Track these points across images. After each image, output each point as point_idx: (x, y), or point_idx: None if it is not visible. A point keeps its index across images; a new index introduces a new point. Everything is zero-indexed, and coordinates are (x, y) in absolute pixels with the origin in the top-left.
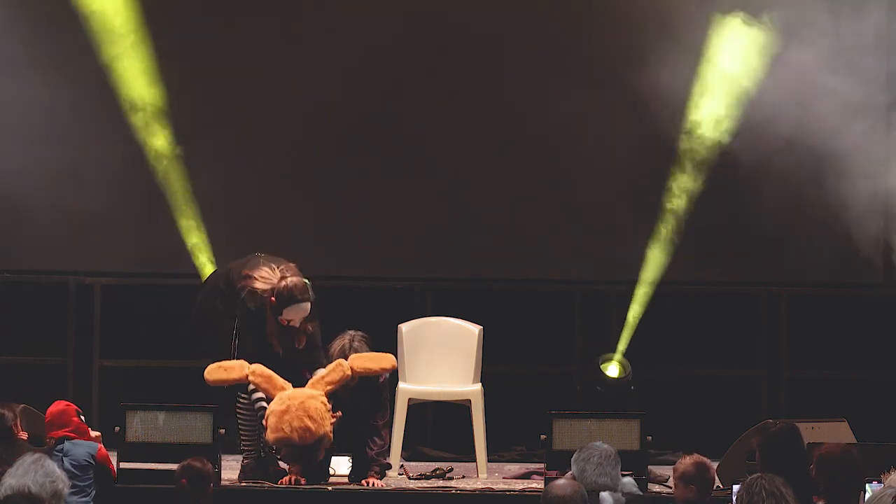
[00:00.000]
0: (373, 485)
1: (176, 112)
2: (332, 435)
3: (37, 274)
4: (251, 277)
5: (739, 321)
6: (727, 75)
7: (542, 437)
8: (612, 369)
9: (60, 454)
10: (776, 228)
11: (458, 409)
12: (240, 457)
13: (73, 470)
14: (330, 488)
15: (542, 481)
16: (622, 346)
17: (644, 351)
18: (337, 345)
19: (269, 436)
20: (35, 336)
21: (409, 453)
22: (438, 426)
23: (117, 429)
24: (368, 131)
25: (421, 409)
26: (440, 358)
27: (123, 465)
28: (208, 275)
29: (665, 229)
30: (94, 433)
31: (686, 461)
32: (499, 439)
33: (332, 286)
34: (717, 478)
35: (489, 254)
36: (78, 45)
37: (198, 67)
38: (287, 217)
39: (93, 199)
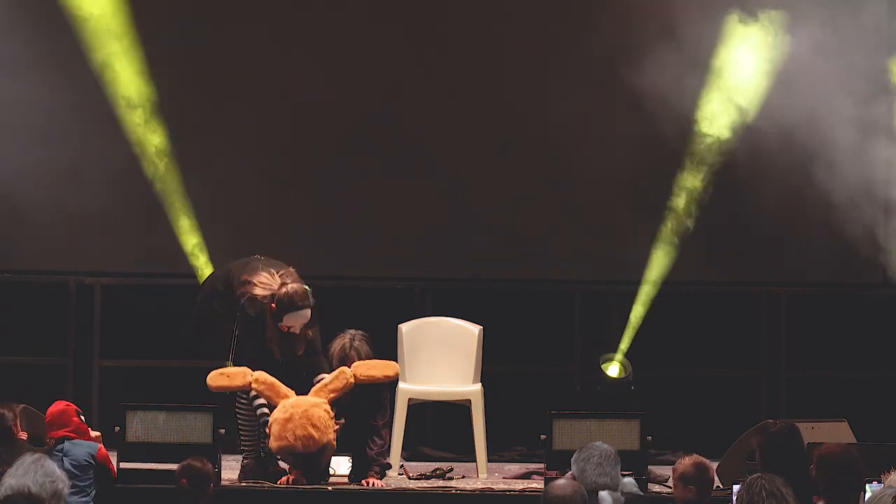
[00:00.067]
0: (373, 485)
1: (175, 112)
2: (335, 443)
3: (37, 274)
4: (250, 283)
5: (739, 321)
6: (728, 75)
7: (542, 437)
8: (613, 369)
9: (60, 454)
10: (776, 228)
11: (458, 409)
12: (240, 457)
13: (73, 470)
14: (330, 488)
15: (542, 481)
16: (624, 346)
17: (644, 351)
18: (337, 344)
19: (273, 444)
20: (35, 336)
21: (409, 453)
22: (438, 426)
23: (117, 429)
24: (368, 131)
25: (421, 409)
26: (440, 358)
27: (123, 465)
28: (207, 276)
29: (665, 229)
30: (94, 433)
31: (685, 461)
32: (499, 439)
33: (332, 286)
34: (716, 478)
35: (489, 254)
36: (77, 45)
37: (198, 67)
38: (287, 217)
39: (93, 199)
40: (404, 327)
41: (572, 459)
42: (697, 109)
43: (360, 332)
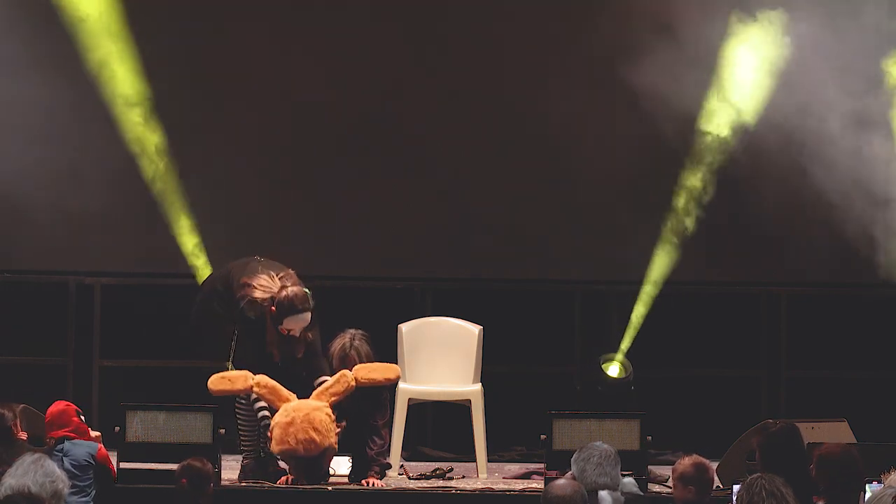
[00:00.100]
0: (373, 485)
1: (175, 112)
2: (337, 446)
3: (37, 274)
4: (250, 286)
5: (739, 321)
6: (727, 74)
7: (542, 437)
8: (614, 369)
9: (60, 454)
10: (776, 228)
11: (458, 409)
12: (240, 457)
13: (73, 470)
14: (330, 488)
15: (542, 481)
16: (625, 345)
17: (644, 351)
18: (337, 343)
19: (275, 448)
20: (35, 336)
21: (409, 453)
22: (438, 426)
23: (117, 429)
24: (368, 131)
25: (421, 409)
26: (440, 358)
27: (123, 465)
28: (207, 276)
29: (665, 229)
30: (94, 433)
31: (685, 462)
32: (499, 439)
33: (332, 286)
34: (716, 478)
35: (489, 254)
36: (77, 45)
37: (198, 67)
38: (287, 217)
39: (93, 199)
40: (404, 327)
41: (572, 459)
42: (697, 109)
43: (360, 331)
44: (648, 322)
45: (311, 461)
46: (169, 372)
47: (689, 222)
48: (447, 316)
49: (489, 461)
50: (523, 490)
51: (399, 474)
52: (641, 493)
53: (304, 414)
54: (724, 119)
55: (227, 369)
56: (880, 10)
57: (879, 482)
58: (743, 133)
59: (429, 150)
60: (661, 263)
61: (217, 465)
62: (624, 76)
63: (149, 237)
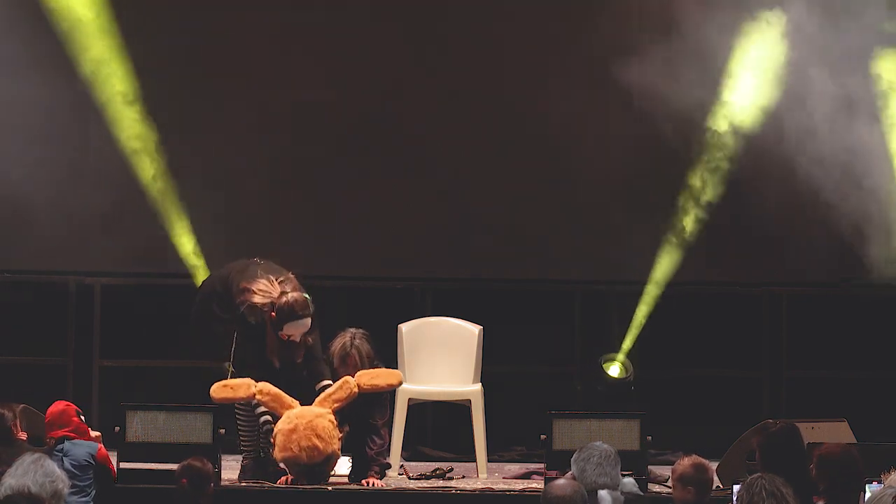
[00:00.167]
0: (373, 485)
1: (174, 112)
2: (340, 452)
3: (37, 274)
4: (249, 291)
5: (740, 321)
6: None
7: (542, 437)
8: (614, 369)
9: (60, 454)
10: (776, 229)
11: (458, 409)
12: (240, 457)
13: (73, 470)
14: (330, 488)
15: (542, 481)
16: (627, 345)
17: (644, 351)
18: (338, 343)
19: (278, 455)
20: (35, 336)
21: (409, 453)
22: (438, 426)
23: (117, 429)
24: (368, 131)
25: (421, 409)
26: (440, 358)
27: (123, 465)
28: (206, 277)
29: (666, 229)
30: (94, 433)
31: (684, 462)
32: (499, 439)
33: (332, 286)
34: (716, 478)
35: (489, 254)
36: (77, 45)
37: (197, 67)
38: (287, 217)
39: (93, 199)
40: (404, 327)
41: (572, 459)
42: (698, 109)
43: (360, 330)
44: (649, 322)
45: (314, 468)
46: (169, 372)
47: (690, 222)
48: (447, 316)
49: (489, 461)
50: (523, 490)
51: (399, 474)
52: (641, 493)
53: (307, 421)
54: (725, 118)
55: (227, 370)
56: (880, 9)
57: (879, 482)
58: (743, 132)
59: (429, 150)
60: (661, 264)
61: (217, 465)
62: (624, 76)
63: (149, 237)
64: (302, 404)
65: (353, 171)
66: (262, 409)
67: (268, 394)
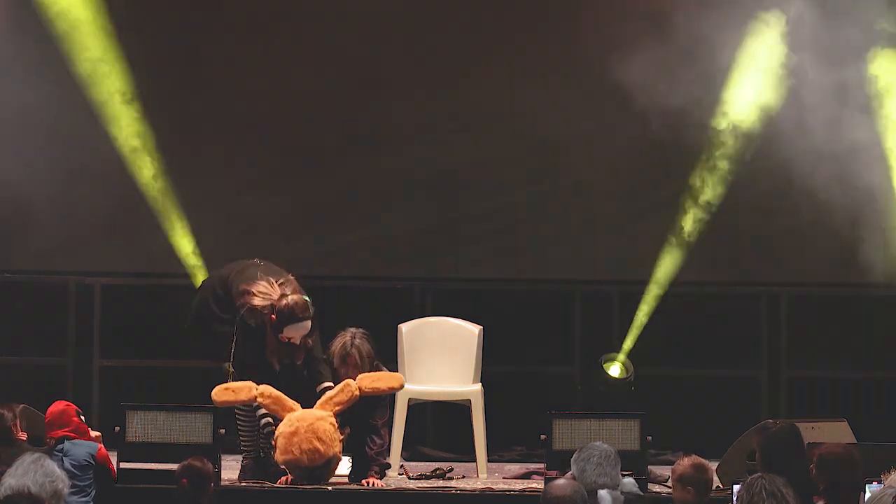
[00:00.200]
0: (373, 485)
1: (174, 112)
2: (341, 455)
3: (37, 274)
4: (249, 293)
5: (740, 321)
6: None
7: (542, 437)
8: (615, 369)
9: (60, 454)
10: (776, 228)
11: (458, 409)
12: (240, 457)
13: (73, 470)
14: (330, 488)
15: (542, 481)
16: (628, 345)
17: (644, 351)
18: (338, 342)
19: (279, 457)
20: (35, 336)
21: (409, 453)
22: (438, 426)
23: (117, 429)
24: (368, 131)
25: (421, 409)
26: (440, 358)
27: (123, 465)
28: (205, 277)
29: (666, 229)
30: (94, 433)
31: (684, 463)
32: (499, 439)
33: (332, 286)
34: (716, 478)
35: (489, 254)
36: (76, 45)
37: (197, 67)
38: (286, 217)
39: (93, 199)
40: (404, 327)
41: (572, 459)
42: (696, 109)
43: (360, 330)
44: (648, 322)
45: (315, 471)
46: (169, 372)
47: (689, 222)
48: (447, 316)
49: (489, 461)
50: (523, 490)
51: (399, 474)
52: (641, 493)
53: (308, 424)
54: (724, 118)
55: (227, 370)
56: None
57: (879, 482)
58: (742, 132)
59: (429, 149)
60: (661, 263)
61: (217, 465)
62: (623, 75)
63: (149, 237)
64: (303, 406)
65: (353, 170)
66: (263, 410)
67: (269, 396)
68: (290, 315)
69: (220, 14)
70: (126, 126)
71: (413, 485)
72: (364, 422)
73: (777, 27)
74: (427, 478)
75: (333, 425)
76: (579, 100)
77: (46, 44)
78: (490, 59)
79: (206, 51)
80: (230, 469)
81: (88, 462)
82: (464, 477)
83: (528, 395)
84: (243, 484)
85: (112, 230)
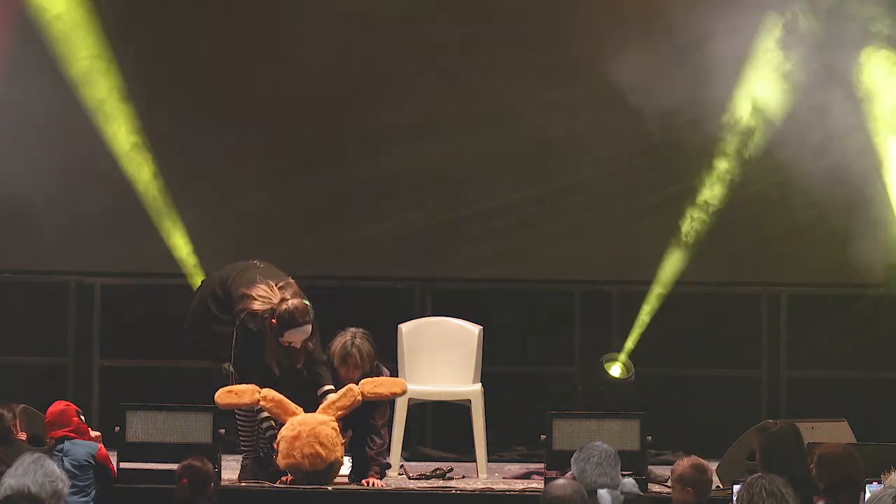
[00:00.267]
0: (373, 485)
1: (174, 112)
2: (343, 460)
3: (37, 274)
4: (249, 297)
5: (739, 321)
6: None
7: (542, 437)
8: (616, 369)
9: (60, 454)
10: (776, 228)
11: (458, 409)
12: (240, 457)
13: (73, 470)
14: (330, 488)
15: (542, 481)
16: (629, 345)
17: (644, 351)
18: (338, 342)
19: (281, 461)
20: (35, 336)
21: (409, 453)
22: (438, 426)
23: (117, 429)
24: (368, 132)
25: (421, 409)
26: (440, 358)
27: (123, 465)
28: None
29: (666, 229)
30: (94, 433)
31: (683, 463)
32: (499, 439)
33: (332, 286)
34: (716, 478)
35: (489, 254)
36: (75, 45)
37: (197, 67)
38: (287, 217)
39: (93, 199)
40: (404, 327)
41: (572, 459)
42: (697, 109)
43: (360, 330)
44: (648, 322)
45: (317, 475)
46: (169, 372)
47: (689, 222)
48: (447, 316)
49: (489, 461)
50: (523, 490)
51: (399, 474)
52: (641, 493)
53: (311, 428)
54: (724, 118)
55: (227, 371)
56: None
57: (879, 482)
58: (741, 132)
59: (428, 149)
60: (661, 263)
61: (217, 465)
62: (623, 77)
63: (149, 238)
64: (304, 410)
65: (353, 171)
66: (265, 414)
67: (271, 400)
68: (290, 320)
69: (220, 14)
70: (125, 125)
71: (413, 485)
72: (364, 422)
73: (774, 26)
74: (427, 478)
75: (335, 430)
76: (579, 100)
77: (49, 43)
78: (490, 59)
79: (205, 50)
80: (230, 469)
81: (88, 462)
82: (464, 477)
83: (528, 395)
84: (243, 484)
85: (112, 230)
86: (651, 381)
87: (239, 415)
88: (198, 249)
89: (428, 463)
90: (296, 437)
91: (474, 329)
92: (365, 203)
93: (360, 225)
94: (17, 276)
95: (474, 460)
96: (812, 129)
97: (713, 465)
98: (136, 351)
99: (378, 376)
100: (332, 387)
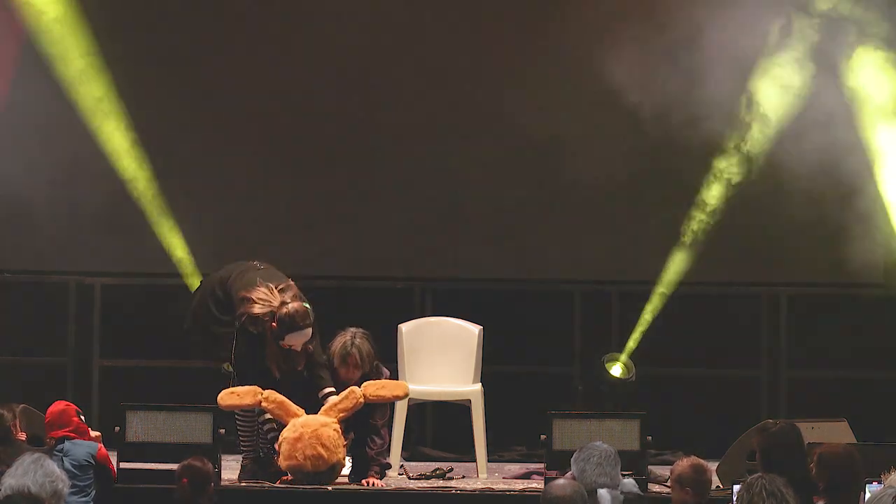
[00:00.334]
0: (373, 485)
1: (174, 112)
2: (345, 462)
3: (37, 274)
4: (249, 300)
5: (739, 321)
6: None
7: (542, 437)
8: (616, 369)
9: (60, 454)
10: (776, 228)
11: (458, 409)
12: (240, 457)
13: (73, 470)
14: (330, 488)
15: (542, 481)
16: (630, 346)
17: (644, 351)
18: (338, 342)
19: (282, 463)
20: (35, 336)
21: (409, 453)
22: (438, 426)
23: (117, 429)
24: (369, 132)
25: (421, 409)
26: (440, 358)
27: (123, 465)
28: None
29: (666, 229)
30: (94, 433)
31: (683, 463)
32: (499, 439)
33: (332, 286)
34: (717, 478)
35: (489, 254)
36: (75, 45)
37: (196, 67)
38: (287, 217)
39: (93, 199)
40: (404, 327)
41: (572, 459)
42: (696, 109)
43: (360, 330)
44: (649, 322)
45: (319, 477)
46: (169, 372)
47: (689, 222)
48: (447, 316)
49: (489, 461)
50: (523, 490)
51: (399, 474)
52: (641, 493)
53: (313, 430)
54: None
55: (227, 371)
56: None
57: (879, 482)
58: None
59: (428, 149)
60: (661, 264)
61: (217, 465)
62: (622, 77)
63: (149, 238)
64: (305, 412)
65: (353, 171)
66: (267, 416)
67: (273, 401)
68: (290, 323)
69: (219, 13)
70: (124, 125)
71: (413, 485)
72: (364, 422)
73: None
74: (427, 478)
75: (337, 431)
76: (579, 100)
77: (49, 43)
78: (491, 58)
79: (203, 50)
80: (230, 469)
81: (88, 462)
82: (464, 477)
83: (528, 395)
84: (243, 484)
85: (112, 230)
86: (651, 381)
87: (239, 415)
88: (197, 250)
89: (428, 463)
90: (298, 439)
91: (474, 329)
92: (365, 203)
93: (360, 225)
94: (17, 276)
95: (474, 460)
96: (810, 128)
97: (713, 466)
98: (136, 351)
99: (378, 376)
100: (332, 389)
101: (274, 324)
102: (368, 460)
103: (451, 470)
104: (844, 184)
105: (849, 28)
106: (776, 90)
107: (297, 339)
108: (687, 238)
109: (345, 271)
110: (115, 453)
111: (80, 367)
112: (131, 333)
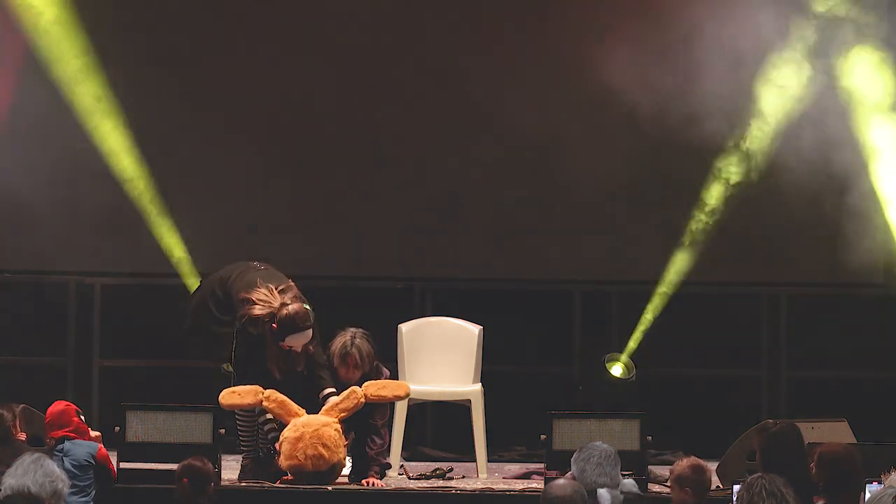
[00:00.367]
0: (373, 485)
1: (174, 112)
2: (345, 462)
3: (37, 274)
4: (249, 301)
5: (739, 321)
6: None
7: (542, 437)
8: (617, 369)
9: (60, 454)
10: (776, 228)
11: (458, 409)
12: (240, 457)
13: (73, 470)
14: (330, 488)
15: (542, 481)
16: (631, 346)
17: (644, 351)
18: (338, 342)
19: (283, 462)
20: (35, 336)
21: (409, 453)
22: (438, 426)
23: (117, 429)
24: (369, 132)
25: (421, 409)
26: (440, 358)
27: (123, 465)
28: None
29: (666, 229)
30: (94, 433)
31: (682, 463)
32: (499, 439)
33: (332, 286)
34: (717, 478)
35: (489, 254)
36: (74, 45)
37: (196, 67)
38: (286, 217)
39: (93, 199)
40: (404, 327)
41: (572, 459)
42: (696, 109)
43: (360, 330)
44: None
45: (319, 476)
46: (169, 372)
47: (689, 222)
48: (447, 316)
49: (489, 461)
50: (523, 490)
51: (399, 474)
52: (641, 493)
53: (314, 430)
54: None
55: (226, 371)
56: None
57: (879, 482)
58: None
59: (428, 149)
60: (662, 264)
61: (217, 465)
62: (621, 76)
63: (149, 238)
64: (305, 412)
65: (353, 171)
66: (268, 416)
67: (274, 401)
68: (290, 324)
69: (219, 13)
70: (123, 125)
71: (413, 485)
72: (364, 422)
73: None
74: (427, 478)
75: (338, 431)
76: (578, 100)
77: (48, 43)
78: (491, 58)
79: (203, 50)
80: (230, 469)
81: (88, 462)
82: (464, 477)
83: (528, 395)
84: (243, 484)
85: (112, 230)
86: (651, 381)
87: (239, 415)
88: (197, 250)
89: (428, 463)
90: (299, 439)
91: (474, 329)
92: (365, 203)
93: (360, 225)
94: (17, 276)
95: (474, 460)
96: (809, 128)
97: (713, 466)
98: (136, 351)
99: (378, 376)
100: (333, 389)
101: (274, 325)
102: (368, 460)
103: (451, 470)
104: (845, 184)
105: (846, 28)
106: (777, 89)
107: (298, 341)
108: (687, 238)
109: (345, 271)
110: (115, 453)
111: (79, 367)
112: (131, 333)
